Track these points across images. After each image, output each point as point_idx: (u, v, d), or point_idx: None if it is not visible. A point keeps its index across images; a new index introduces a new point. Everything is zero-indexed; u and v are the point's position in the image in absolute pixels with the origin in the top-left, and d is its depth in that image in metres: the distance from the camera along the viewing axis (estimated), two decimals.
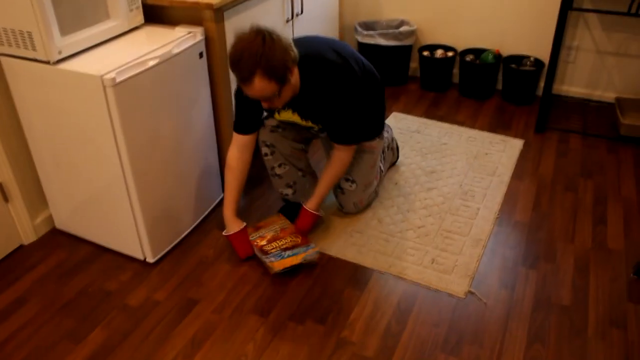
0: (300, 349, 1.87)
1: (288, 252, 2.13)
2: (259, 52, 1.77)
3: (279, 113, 2.20)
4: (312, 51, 2.02)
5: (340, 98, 2.05)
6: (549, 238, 2.33)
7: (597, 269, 2.17)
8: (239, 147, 2.21)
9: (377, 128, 2.36)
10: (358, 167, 2.36)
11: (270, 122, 2.28)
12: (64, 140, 2.06)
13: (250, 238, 2.23)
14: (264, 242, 2.18)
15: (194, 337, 1.91)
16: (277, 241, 2.17)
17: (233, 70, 1.83)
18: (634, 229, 2.37)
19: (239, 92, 2.11)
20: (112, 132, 1.92)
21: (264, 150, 2.32)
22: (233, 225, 2.23)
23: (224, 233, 2.25)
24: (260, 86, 1.82)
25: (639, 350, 1.85)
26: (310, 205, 2.29)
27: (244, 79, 1.82)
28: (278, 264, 2.09)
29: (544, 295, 2.06)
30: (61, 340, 1.90)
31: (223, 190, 2.58)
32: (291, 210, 2.40)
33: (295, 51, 1.88)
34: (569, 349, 1.86)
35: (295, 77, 1.96)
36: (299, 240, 2.18)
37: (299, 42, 2.00)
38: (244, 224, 2.25)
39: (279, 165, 2.34)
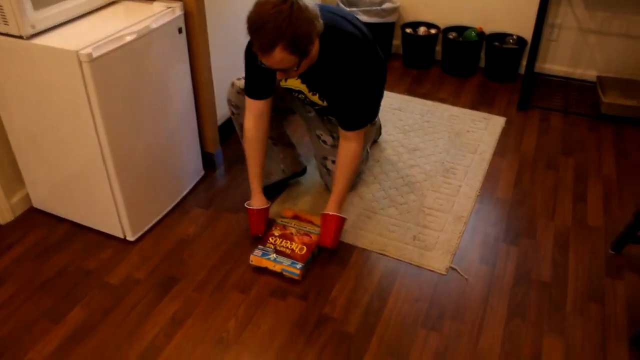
0: (281, 325, 1.88)
1: (275, 256, 2.07)
2: (285, 22, 1.64)
3: (286, 80, 2.08)
4: (332, 22, 1.90)
5: (357, 75, 1.95)
6: (530, 215, 2.36)
7: (577, 245, 2.21)
8: (254, 115, 2.09)
9: (375, 112, 2.31)
10: None
11: (239, 83, 2.21)
12: (40, 117, 2.03)
13: (279, 220, 2.22)
14: (277, 233, 2.16)
15: (175, 315, 1.91)
16: (285, 241, 2.12)
17: (252, 37, 1.71)
18: (614, 207, 2.40)
19: (249, 52, 1.96)
20: (89, 109, 1.89)
21: (230, 109, 2.26)
22: (257, 200, 2.18)
23: (245, 204, 2.20)
24: (279, 58, 1.71)
25: (615, 324, 1.89)
26: (328, 208, 2.11)
27: (264, 49, 1.69)
28: (257, 260, 2.07)
29: (525, 271, 2.09)
30: (40, 320, 1.89)
31: (204, 167, 2.57)
32: (270, 191, 2.39)
33: (321, 22, 1.76)
34: (548, 323, 1.89)
35: (315, 49, 1.85)
36: (301, 252, 2.07)
37: (320, 9, 1.89)
38: (269, 203, 2.21)
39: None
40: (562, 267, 2.11)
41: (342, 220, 2.12)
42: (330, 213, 2.10)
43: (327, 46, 1.88)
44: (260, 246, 2.12)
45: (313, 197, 2.44)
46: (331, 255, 2.15)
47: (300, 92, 2.13)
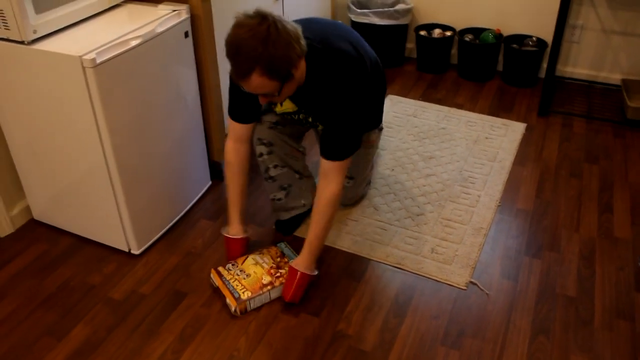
0: (294, 342, 1.87)
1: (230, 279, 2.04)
2: (260, 46, 1.60)
3: (278, 105, 2.07)
4: (324, 38, 1.86)
5: (341, 96, 1.85)
6: (553, 226, 2.34)
7: (603, 258, 2.19)
8: (234, 138, 2.06)
9: (377, 120, 2.27)
10: (357, 163, 2.28)
11: (268, 118, 2.13)
12: (41, 125, 2.04)
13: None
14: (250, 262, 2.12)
15: (183, 331, 1.91)
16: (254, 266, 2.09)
17: (229, 61, 1.68)
18: None
19: None
20: (93, 116, 1.90)
21: (260, 149, 2.15)
22: (234, 229, 2.13)
23: (222, 231, 2.17)
24: (258, 84, 1.68)
25: None
26: (297, 261, 1.98)
27: (240, 75, 1.67)
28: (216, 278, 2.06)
29: (549, 286, 2.07)
30: (42, 337, 1.89)
31: (211, 177, 2.57)
32: (284, 228, 2.33)
33: (303, 43, 1.71)
34: (574, 341, 1.87)
35: (300, 71, 1.78)
36: (255, 284, 2.01)
37: (310, 25, 1.87)
38: (246, 235, 2.15)
39: (274, 167, 2.18)
40: (589, 281, 2.09)
41: (308, 279, 1.99)
42: (299, 270, 1.97)
43: (316, 63, 1.82)
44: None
45: None
46: (345, 269, 2.14)
47: (295, 112, 2.09)
